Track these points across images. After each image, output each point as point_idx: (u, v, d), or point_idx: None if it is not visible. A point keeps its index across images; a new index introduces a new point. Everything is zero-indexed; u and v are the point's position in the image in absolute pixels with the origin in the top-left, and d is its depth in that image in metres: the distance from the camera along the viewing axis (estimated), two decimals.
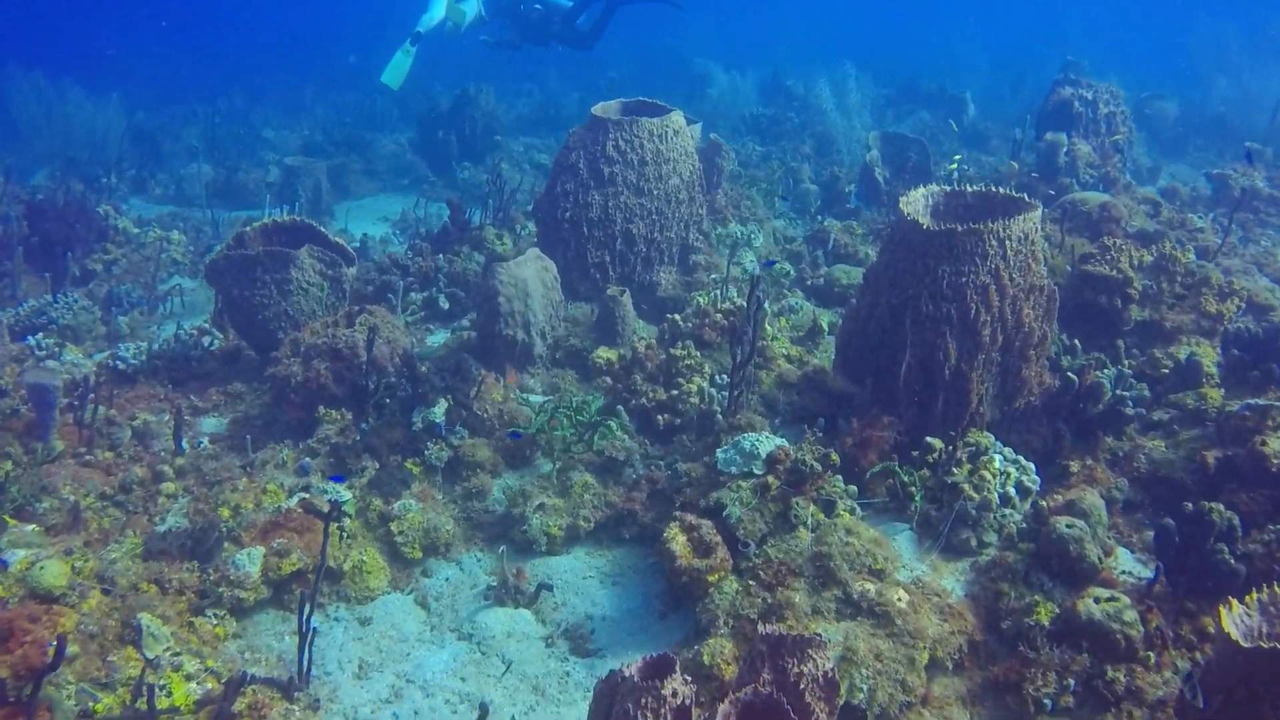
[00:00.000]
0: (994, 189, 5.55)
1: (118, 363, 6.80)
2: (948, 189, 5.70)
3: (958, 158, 10.18)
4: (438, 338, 7.54)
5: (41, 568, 4.29)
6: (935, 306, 5.17)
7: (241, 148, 16.68)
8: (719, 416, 5.52)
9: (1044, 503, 4.62)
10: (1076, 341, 6.03)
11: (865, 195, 10.34)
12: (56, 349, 7.01)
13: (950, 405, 5.29)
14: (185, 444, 6.05)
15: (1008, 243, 5.07)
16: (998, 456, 4.87)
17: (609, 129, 7.36)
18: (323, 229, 6.86)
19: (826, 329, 6.68)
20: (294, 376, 5.96)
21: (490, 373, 6.50)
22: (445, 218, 11.46)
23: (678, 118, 7.56)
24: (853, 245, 8.36)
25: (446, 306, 7.71)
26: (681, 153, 7.58)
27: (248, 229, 6.82)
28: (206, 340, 7.16)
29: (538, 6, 12.55)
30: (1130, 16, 36.26)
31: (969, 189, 5.65)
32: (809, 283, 7.67)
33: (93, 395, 6.18)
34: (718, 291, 7.08)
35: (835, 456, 4.75)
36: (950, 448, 4.87)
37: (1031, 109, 17.75)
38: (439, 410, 5.70)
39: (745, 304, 6.39)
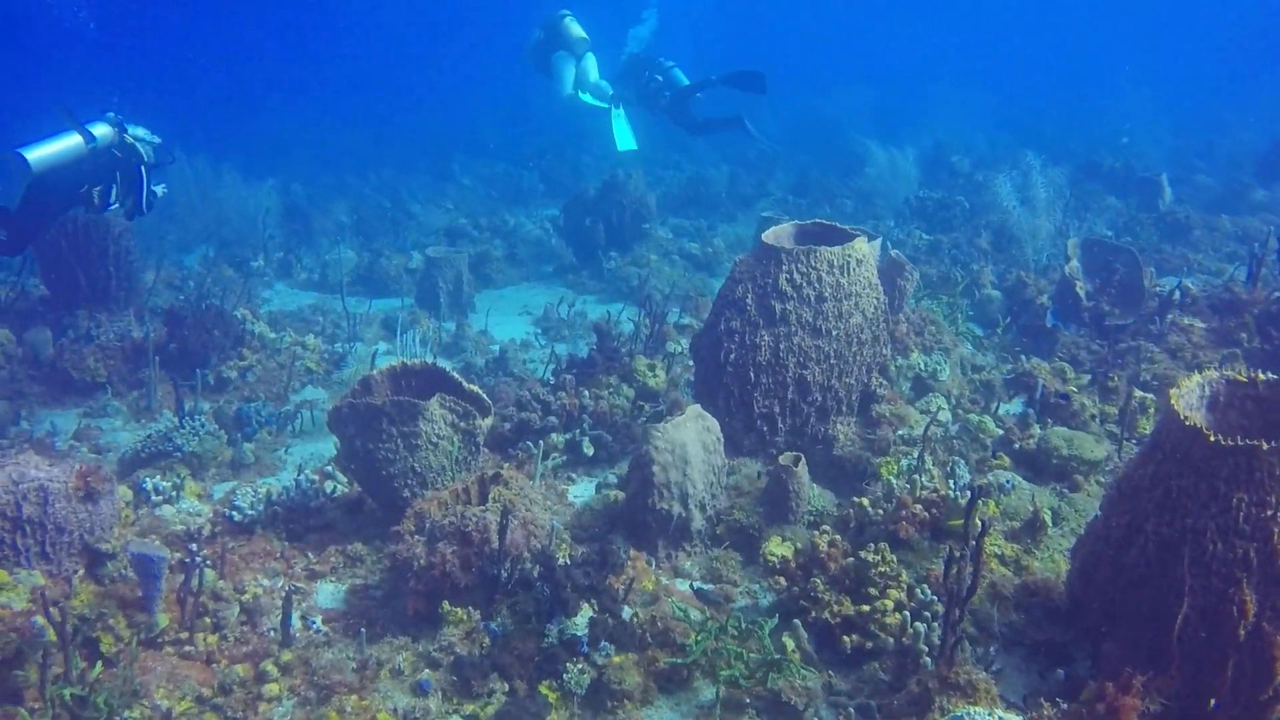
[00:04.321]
0: None
1: (233, 512, 6.22)
2: (1229, 375, 4.45)
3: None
4: (581, 490, 6.68)
5: None
6: (1226, 546, 3.93)
7: (388, 224, 16.62)
8: (926, 659, 4.39)
9: None
10: None
11: (1064, 313, 9.00)
12: (174, 493, 6.49)
13: (1244, 673, 4.02)
14: (297, 621, 5.36)
15: None
16: None
17: (782, 259, 6.38)
18: (456, 375, 6.12)
19: (1049, 521, 5.43)
20: (416, 560, 5.17)
21: (641, 553, 5.59)
22: (589, 319, 10.78)
23: (861, 244, 6.51)
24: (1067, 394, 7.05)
25: (591, 452, 6.86)
26: (865, 285, 6.52)
27: (374, 373, 6.15)
28: (329, 486, 6.53)
29: (659, 77, 12.86)
30: None
31: (1261, 377, 4.39)
32: (1016, 445, 6.40)
33: (203, 555, 5.58)
34: (912, 462, 5.95)
35: None
36: None
37: (1243, 199, 15.91)
38: (581, 620, 4.79)
39: (953, 497, 5.28)
